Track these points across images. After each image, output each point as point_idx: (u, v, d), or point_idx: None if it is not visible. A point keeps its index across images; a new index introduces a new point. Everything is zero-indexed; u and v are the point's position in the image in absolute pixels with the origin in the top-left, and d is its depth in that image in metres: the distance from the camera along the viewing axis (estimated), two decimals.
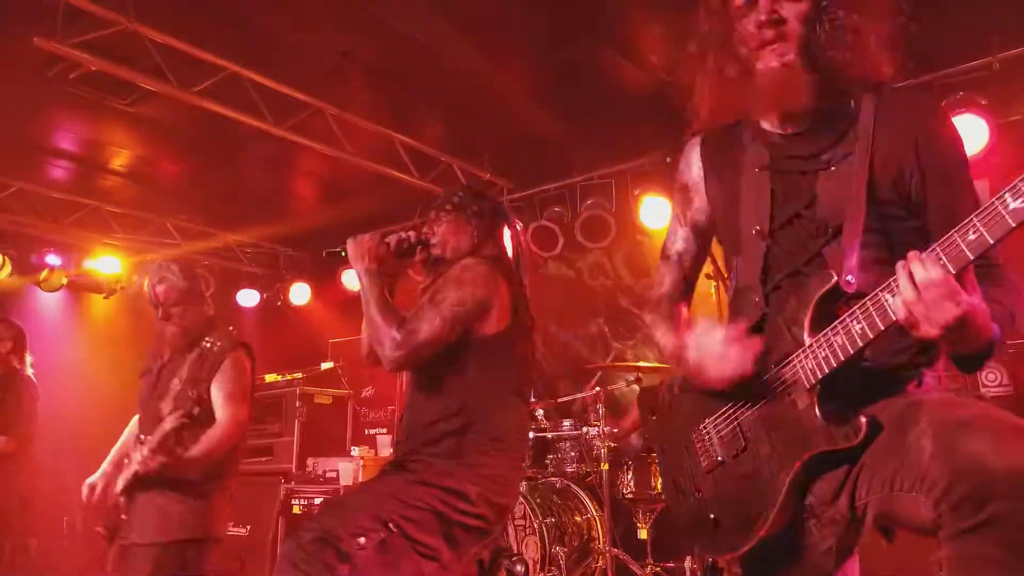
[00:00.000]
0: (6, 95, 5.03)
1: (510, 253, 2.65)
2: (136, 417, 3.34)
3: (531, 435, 4.94)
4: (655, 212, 5.73)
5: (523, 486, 4.62)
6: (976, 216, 1.22)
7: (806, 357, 1.47)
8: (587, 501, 4.65)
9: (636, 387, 4.84)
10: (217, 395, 3.08)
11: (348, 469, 5.65)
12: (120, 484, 3.03)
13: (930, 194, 1.52)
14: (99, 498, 3.13)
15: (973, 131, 4.45)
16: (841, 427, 1.41)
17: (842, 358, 1.41)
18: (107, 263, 7.13)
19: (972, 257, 1.24)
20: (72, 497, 4.30)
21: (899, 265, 1.29)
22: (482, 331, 2.37)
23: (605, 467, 4.50)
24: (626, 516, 4.64)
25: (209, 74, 4.75)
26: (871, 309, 1.36)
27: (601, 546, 4.45)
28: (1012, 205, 1.19)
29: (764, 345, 1.54)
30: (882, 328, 1.35)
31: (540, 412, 5.11)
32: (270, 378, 6.73)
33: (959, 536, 1.22)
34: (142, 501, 3.00)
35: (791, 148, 1.62)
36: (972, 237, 1.23)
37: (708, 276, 4.14)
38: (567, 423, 4.94)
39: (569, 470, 4.80)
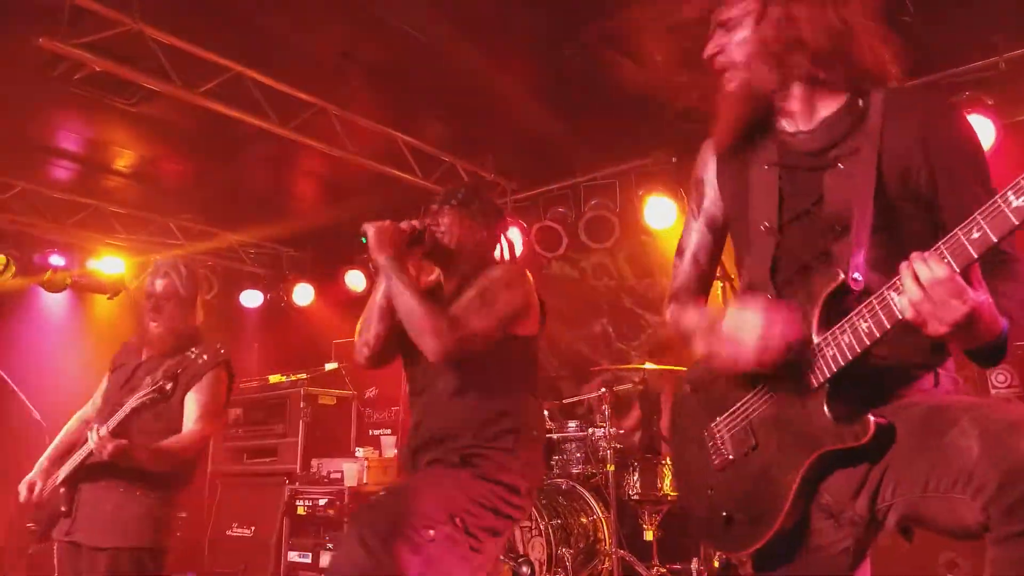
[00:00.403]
0: (9, 95, 5.02)
1: (518, 254, 2.71)
2: (77, 415, 3.32)
3: None
4: (659, 212, 5.72)
5: None
6: (979, 214, 1.22)
7: (813, 355, 1.47)
8: (593, 502, 4.64)
9: (640, 387, 4.84)
10: (192, 407, 3.04)
11: (352, 470, 5.64)
12: (62, 474, 2.97)
13: (941, 192, 1.51)
14: (37, 496, 3.07)
15: (979, 131, 4.43)
16: (849, 426, 1.41)
17: (849, 356, 1.41)
18: (110, 263, 7.13)
19: (976, 255, 1.24)
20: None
21: (903, 265, 1.29)
22: (521, 331, 2.46)
23: (611, 468, 4.49)
24: (632, 517, 4.63)
25: (213, 74, 4.75)
26: (877, 308, 1.37)
27: (607, 547, 4.45)
28: (1015, 203, 1.19)
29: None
30: (888, 327, 1.35)
31: (545, 413, 5.11)
32: (274, 379, 6.73)
33: (1011, 539, 1.20)
34: (90, 497, 2.96)
35: (800, 145, 1.64)
36: (976, 235, 1.23)
37: (716, 277, 4.12)
38: (572, 424, 4.93)
39: (575, 471, 4.79)
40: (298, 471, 6.10)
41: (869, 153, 1.52)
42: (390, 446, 6.33)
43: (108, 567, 2.89)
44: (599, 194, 6.18)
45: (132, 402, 2.87)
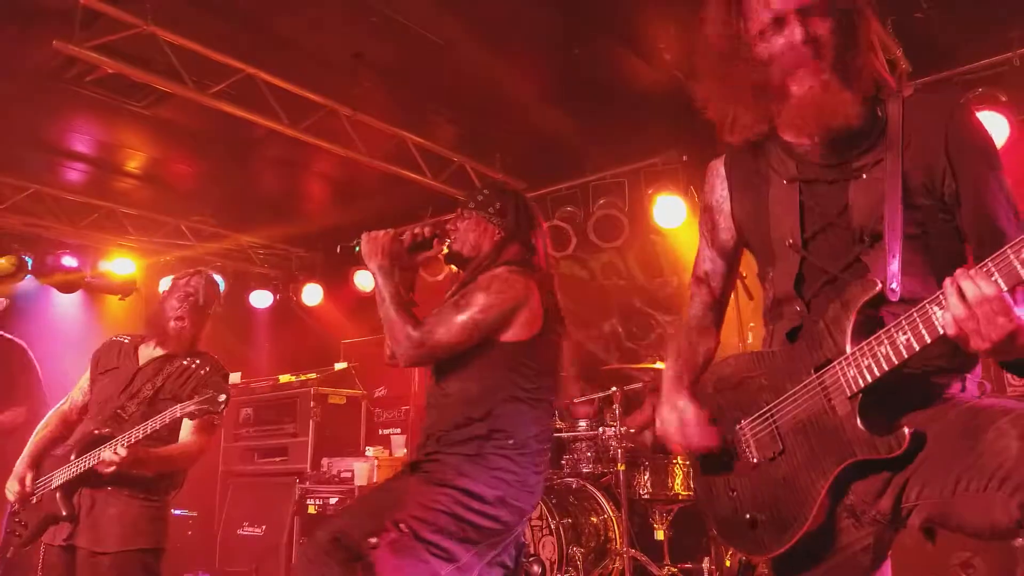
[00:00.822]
0: (23, 97, 5.05)
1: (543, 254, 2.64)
2: (55, 411, 3.33)
3: None
4: (669, 211, 5.70)
5: None
6: None
7: (848, 364, 1.47)
8: (603, 502, 4.63)
9: (652, 386, 4.82)
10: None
11: (363, 469, 5.65)
12: (59, 478, 2.98)
13: (962, 192, 1.51)
14: (27, 495, 3.08)
15: (992, 128, 4.42)
16: (883, 436, 1.41)
17: (886, 368, 1.41)
18: (122, 265, 7.17)
19: None
20: None
21: (947, 281, 1.29)
22: (509, 337, 2.39)
23: (622, 467, 4.48)
24: (643, 517, 4.62)
25: (224, 76, 4.77)
26: (918, 321, 1.36)
27: (618, 547, 4.44)
28: None
29: (796, 360, 1.59)
30: (928, 341, 1.35)
31: (555, 413, 5.10)
32: (284, 379, 6.75)
33: None
34: (92, 502, 2.98)
35: (818, 158, 1.62)
36: None
37: None
38: (583, 423, 4.92)
39: (585, 471, 4.78)
40: (308, 470, 6.12)
41: (893, 162, 1.51)
42: (400, 445, 6.34)
43: (113, 570, 2.92)
44: (608, 193, 6.17)
45: (176, 412, 2.87)
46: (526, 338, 2.41)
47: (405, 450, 6.20)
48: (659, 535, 4.44)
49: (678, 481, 4.43)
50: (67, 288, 6.96)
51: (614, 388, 4.64)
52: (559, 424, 5.00)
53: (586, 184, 6.34)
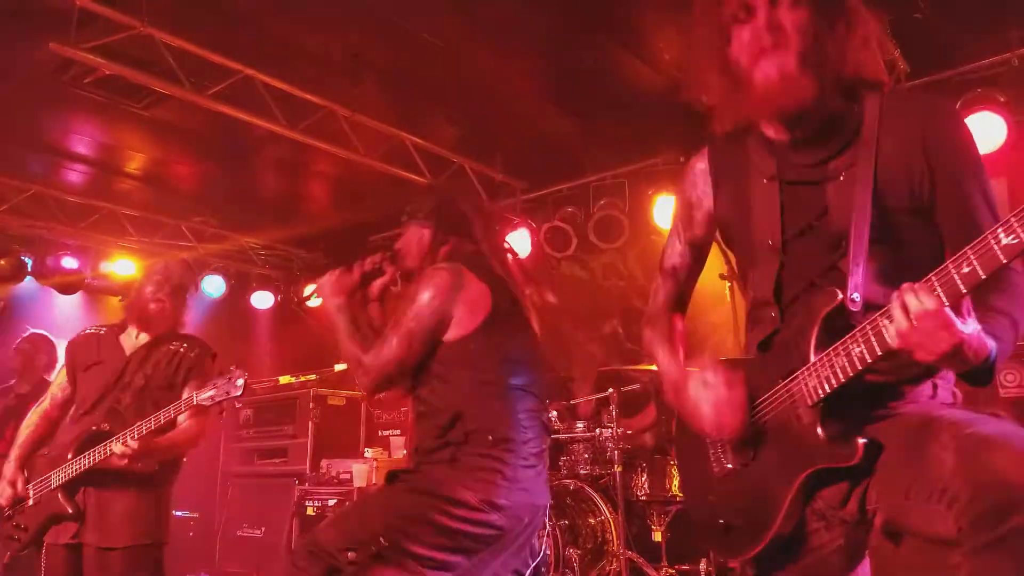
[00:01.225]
0: (21, 99, 5.07)
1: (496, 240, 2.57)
2: (37, 410, 3.31)
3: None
4: (669, 212, 5.68)
5: None
6: (971, 248, 1.24)
7: (810, 374, 1.49)
8: (601, 503, 4.62)
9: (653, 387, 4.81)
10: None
11: (362, 470, 5.66)
12: (59, 478, 2.98)
13: (939, 196, 1.50)
14: (21, 497, 3.08)
15: (991, 128, 4.40)
16: (841, 446, 1.44)
17: (842, 378, 1.43)
18: (123, 266, 7.18)
19: (965, 291, 1.26)
20: None
21: (894, 295, 1.31)
22: (454, 335, 2.31)
23: (619, 469, 4.47)
24: (640, 518, 4.61)
25: (222, 77, 4.78)
26: (870, 333, 1.38)
27: (615, 548, 4.42)
28: (1004, 241, 1.21)
29: (767, 369, 1.58)
30: (879, 353, 1.37)
31: (554, 414, 5.09)
32: (284, 380, 6.75)
33: (979, 551, 1.21)
34: (97, 500, 2.99)
35: (797, 157, 1.61)
36: (966, 270, 1.25)
37: (722, 277, 4.12)
38: (580, 425, 4.91)
39: (583, 472, 4.77)
40: (308, 472, 6.13)
41: (865, 163, 1.51)
42: (399, 447, 6.34)
43: (123, 565, 2.93)
44: (608, 194, 6.16)
45: (193, 398, 2.86)
46: (473, 328, 2.31)
47: (404, 451, 6.19)
48: (656, 536, 4.43)
49: (675, 483, 4.42)
50: (67, 289, 6.97)
51: (611, 389, 4.63)
52: (557, 425, 4.99)
53: (586, 185, 6.34)
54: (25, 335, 5.34)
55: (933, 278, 1.28)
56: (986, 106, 4.43)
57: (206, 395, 2.83)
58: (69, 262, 6.85)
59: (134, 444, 2.80)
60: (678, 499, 4.42)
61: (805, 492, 1.52)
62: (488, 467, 2.21)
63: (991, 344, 1.33)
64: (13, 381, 5.25)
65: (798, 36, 1.50)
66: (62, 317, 7.16)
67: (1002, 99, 4.45)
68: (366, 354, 2.34)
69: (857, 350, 1.40)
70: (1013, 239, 1.19)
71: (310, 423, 6.32)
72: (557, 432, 4.94)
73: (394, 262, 2.55)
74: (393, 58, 4.83)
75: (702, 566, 4.26)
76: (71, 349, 3.32)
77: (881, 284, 1.47)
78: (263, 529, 6.12)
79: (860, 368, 1.41)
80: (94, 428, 3.00)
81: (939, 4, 4.16)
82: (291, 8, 4.31)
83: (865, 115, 1.55)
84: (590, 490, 4.67)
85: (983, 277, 1.23)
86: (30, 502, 3.06)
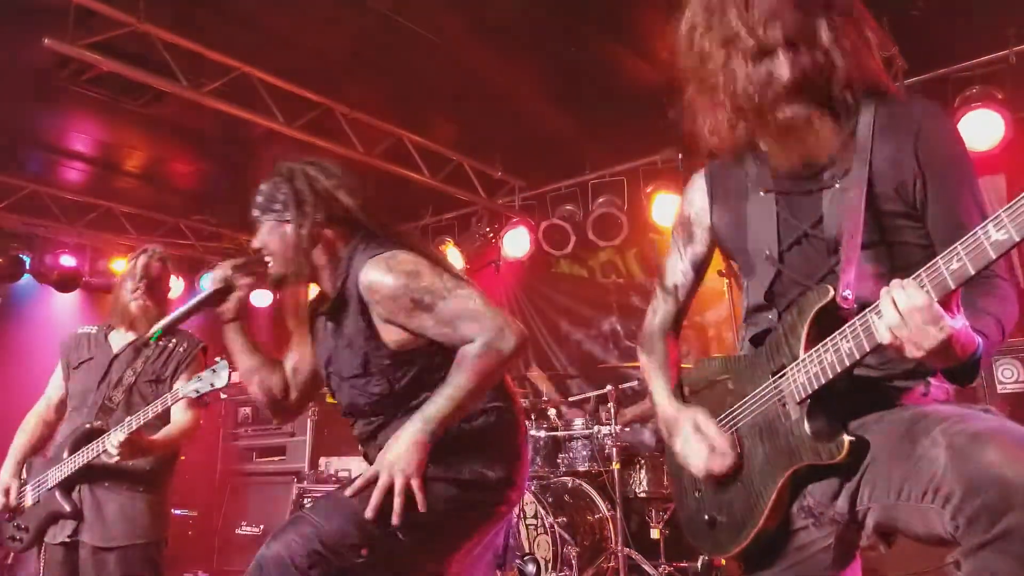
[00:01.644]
0: (19, 96, 5.06)
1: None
2: (35, 413, 3.29)
3: (543, 434, 4.92)
4: (667, 210, 5.70)
5: (534, 485, 4.61)
6: (960, 244, 1.24)
7: (798, 371, 1.50)
8: (599, 500, 4.62)
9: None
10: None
11: (360, 468, 5.64)
12: (55, 477, 2.97)
13: (930, 197, 1.51)
14: (16, 501, 3.07)
15: (989, 125, 4.40)
16: (827, 443, 1.44)
17: (831, 375, 1.43)
18: (121, 264, 7.17)
19: (954, 286, 1.25)
20: None
21: (883, 291, 1.31)
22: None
23: (617, 466, 4.48)
24: (638, 515, 4.62)
25: (220, 74, 4.77)
26: (859, 330, 1.38)
27: (613, 545, 4.43)
28: (994, 237, 1.20)
29: (758, 365, 1.58)
30: (868, 349, 1.37)
31: (552, 411, 5.09)
32: None
33: (976, 550, 1.21)
34: (93, 499, 2.98)
35: (792, 168, 1.61)
36: (955, 266, 1.25)
37: (721, 274, 4.11)
38: (579, 422, 4.92)
39: (581, 469, 4.78)
40: (307, 470, 6.13)
41: (859, 168, 1.52)
42: None
43: (119, 564, 2.92)
44: (607, 192, 6.18)
45: (179, 392, 2.86)
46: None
47: None
48: (654, 534, 4.43)
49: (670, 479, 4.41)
50: (65, 287, 6.96)
51: (609, 387, 4.63)
52: (555, 422, 4.99)
53: (585, 183, 6.35)
54: None
55: (923, 274, 1.28)
56: (984, 103, 4.44)
57: (191, 387, 2.83)
58: (67, 260, 6.84)
59: (121, 436, 2.79)
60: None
61: (791, 489, 1.53)
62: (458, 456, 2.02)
63: (978, 340, 1.33)
64: None
65: (818, 76, 1.50)
66: (60, 315, 7.16)
67: (1000, 96, 4.45)
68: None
69: (846, 346, 1.40)
70: (1004, 235, 1.18)
71: (309, 421, 6.31)
72: (555, 429, 4.94)
73: (252, 271, 2.15)
74: (392, 55, 4.83)
75: (700, 563, 4.27)
76: (64, 348, 3.31)
77: (874, 283, 1.47)
78: (262, 527, 6.12)
79: (848, 365, 1.41)
80: (88, 425, 3.00)
81: (937, 1, 4.16)
82: (289, 5, 4.31)
83: (859, 122, 1.55)
84: (588, 487, 4.68)
85: (972, 273, 1.23)
86: (28, 502, 3.06)
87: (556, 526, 4.34)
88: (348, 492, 1.83)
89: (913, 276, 1.29)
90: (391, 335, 1.99)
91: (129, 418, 2.87)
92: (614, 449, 4.52)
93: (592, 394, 4.95)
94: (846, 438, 1.42)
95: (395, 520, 1.78)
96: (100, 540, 2.94)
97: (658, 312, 1.91)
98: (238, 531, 6.32)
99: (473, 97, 5.32)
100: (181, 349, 3.18)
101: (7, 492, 3.09)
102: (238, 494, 6.55)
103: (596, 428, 4.73)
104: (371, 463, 1.97)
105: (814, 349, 1.47)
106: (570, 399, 5.24)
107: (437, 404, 1.86)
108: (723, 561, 3.58)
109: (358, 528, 1.82)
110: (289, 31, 4.57)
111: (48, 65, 4.57)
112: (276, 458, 6.44)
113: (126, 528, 2.96)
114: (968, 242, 1.23)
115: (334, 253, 2.09)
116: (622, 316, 6.42)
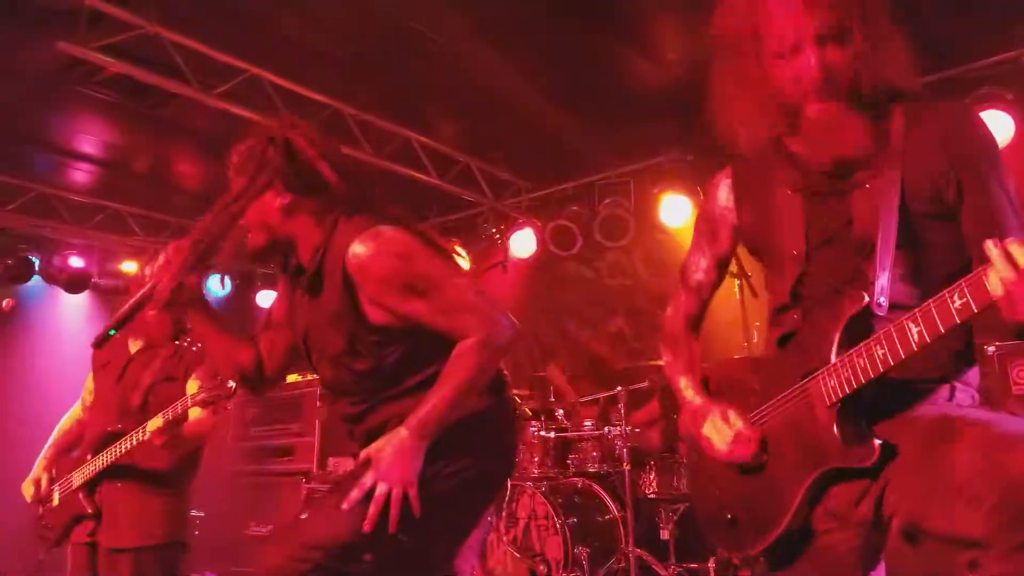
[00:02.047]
0: (29, 98, 5.08)
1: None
2: (70, 415, 3.35)
3: (552, 435, 4.92)
4: (674, 210, 5.70)
5: (544, 486, 4.62)
6: None
7: (829, 375, 1.51)
8: (609, 501, 4.62)
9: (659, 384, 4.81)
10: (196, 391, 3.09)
11: None
12: (80, 477, 3.01)
13: (966, 195, 1.51)
14: (45, 497, 3.13)
15: (998, 126, 4.40)
16: (856, 447, 1.46)
17: (863, 380, 1.45)
18: (131, 266, 7.18)
19: None
20: None
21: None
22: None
23: (627, 467, 4.48)
24: (648, 516, 4.62)
25: (229, 76, 4.79)
26: (894, 336, 1.39)
27: (624, 546, 4.43)
28: None
29: (785, 367, 1.58)
30: (903, 356, 1.38)
31: (560, 412, 5.10)
32: (291, 378, 6.74)
33: (1012, 552, 1.21)
34: (110, 499, 3.01)
35: (821, 167, 1.62)
36: None
37: (731, 274, 4.12)
38: (588, 423, 4.92)
39: (591, 470, 4.77)
40: (315, 470, 6.13)
41: (893, 172, 1.52)
42: None
43: (131, 567, 2.93)
44: (614, 192, 6.17)
45: (187, 401, 2.84)
46: None
47: None
48: (665, 534, 4.43)
49: (684, 481, 4.42)
50: (74, 289, 6.98)
51: (619, 388, 4.64)
52: (564, 423, 4.99)
53: (592, 183, 6.35)
54: None
55: None
56: (993, 104, 4.44)
57: (199, 397, 2.83)
58: (76, 261, 6.85)
59: (161, 424, 2.77)
60: (687, 497, 4.43)
61: (816, 491, 1.53)
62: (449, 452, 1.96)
63: None
64: None
65: (848, 73, 1.50)
66: (69, 316, 7.18)
67: (1009, 97, 4.45)
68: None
69: (880, 352, 1.41)
70: None
71: (317, 421, 6.32)
72: (565, 430, 4.95)
73: (212, 247, 2.00)
74: (399, 57, 4.83)
75: (710, 564, 4.27)
76: (93, 352, 3.36)
77: (906, 286, 1.48)
78: (270, 528, 6.13)
79: (882, 370, 1.42)
80: (108, 429, 3.03)
81: (946, 2, 4.15)
82: (298, 7, 4.32)
83: (892, 126, 1.55)
84: (598, 488, 4.68)
85: None
86: (54, 502, 3.11)
87: (566, 527, 4.35)
88: (344, 505, 1.78)
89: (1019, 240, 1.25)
90: (378, 315, 1.92)
91: (147, 423, 2.89)
92: (624, 450, 4.52)
93: (602, 395, 4.95)
94: (876, 442, 1.43)
95: (392, 529, 1.77)
96: (113, 542, 2.98)
97: (680, 309, 1.92)
98: (246, 531, 6.33)
99: (480, 98, 5.33)
100: (195, 348, 3.21)
101: (38, 484, 3.17)
102: (246, 494, 6.56)
103: (606, 429, 4.74)
104: (356, 442, 2.00)
105: (846, 354, 1.48)
106: (581, 400, 5.24)
107: (433, 405, 1.82)
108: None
109: (358, 535, 1.78)
110: (298, 34, 4.58)
111: (57, 67, 4.58)
112: (284, 458, 6.45)
113: (138, 530, 2.98)
114: None
115: (312, 224, 1.98)
116: (629, 317, 6.42)
